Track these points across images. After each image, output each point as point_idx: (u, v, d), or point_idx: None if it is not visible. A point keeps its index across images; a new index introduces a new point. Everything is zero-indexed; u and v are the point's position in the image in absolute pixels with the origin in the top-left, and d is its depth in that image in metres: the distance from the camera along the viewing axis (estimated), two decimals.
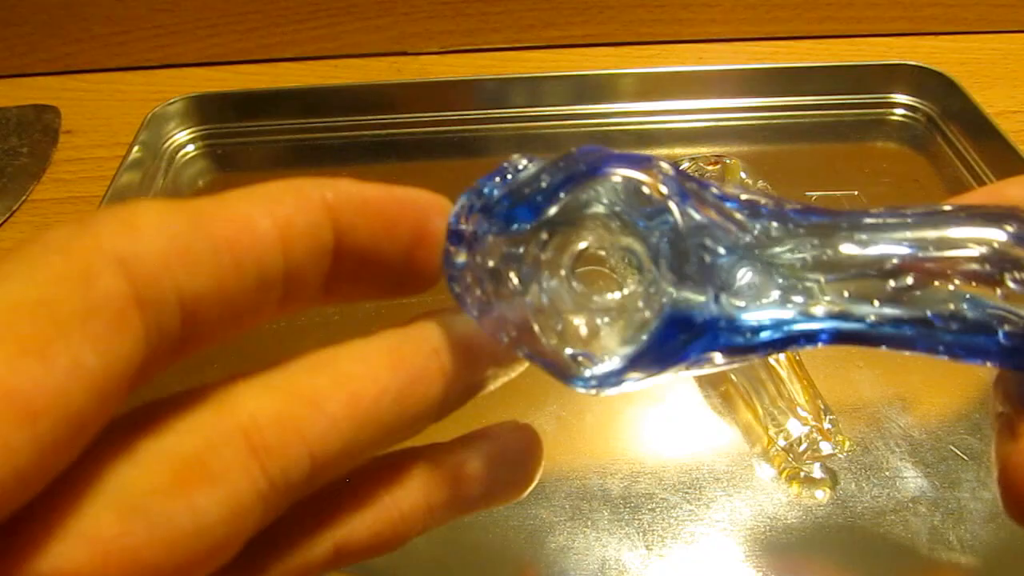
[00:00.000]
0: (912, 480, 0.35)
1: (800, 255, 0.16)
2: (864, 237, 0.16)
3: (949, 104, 0.57)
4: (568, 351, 0.16)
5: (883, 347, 0.16)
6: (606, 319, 0.16)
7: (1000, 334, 0.15)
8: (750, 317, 0.15)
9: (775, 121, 0.58)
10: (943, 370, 0.40)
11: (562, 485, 0.35)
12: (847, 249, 0.16)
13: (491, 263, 0.16)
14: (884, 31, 0.65)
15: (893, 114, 0.59)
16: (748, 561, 0.32)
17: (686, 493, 0.35)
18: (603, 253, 0.16)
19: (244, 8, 0.61)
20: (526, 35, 0.64)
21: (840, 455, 0.35)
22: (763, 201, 0.17)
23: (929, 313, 0.15)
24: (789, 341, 0.16)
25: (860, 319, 0.16)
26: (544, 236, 0.16)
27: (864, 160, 0.56)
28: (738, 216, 0.16)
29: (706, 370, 0.16)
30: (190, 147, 0.56)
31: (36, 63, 0.62)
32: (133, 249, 0.13)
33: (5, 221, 0.50)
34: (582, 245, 0.16)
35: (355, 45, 0.63)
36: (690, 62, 0.62)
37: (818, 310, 0.16)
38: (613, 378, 0.16)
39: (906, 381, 0.39)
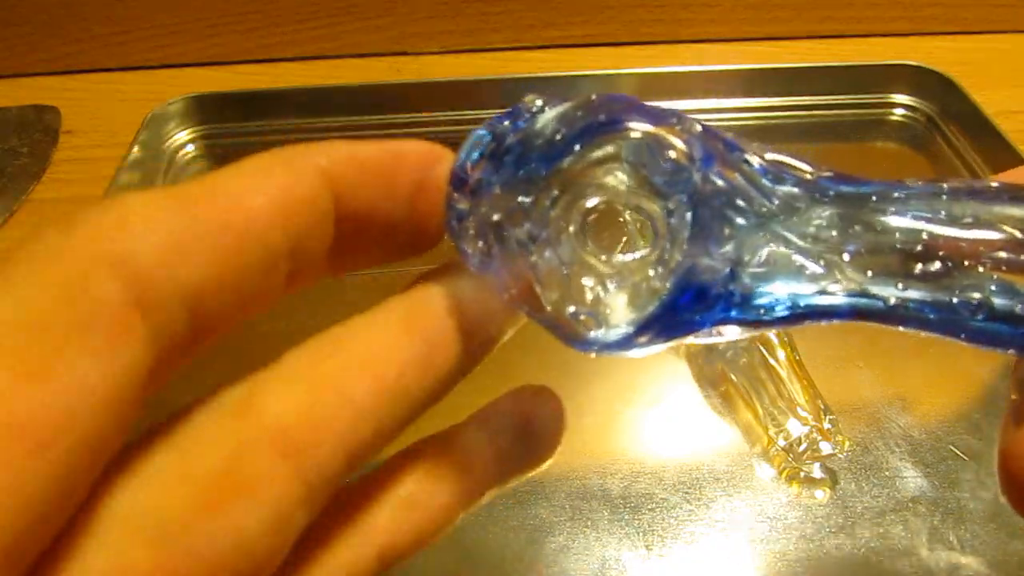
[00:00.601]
0: (912, 480, 0.35)
1: (824, 227, 0.15)
2: (893, 211, 0.15)
3: (949, 104, 0.57)
4: (571, 310, 0.15)
5: (901, 327, 0.15)
6: (615, 282, 0.15)
7: None
8: (767, 290, 0.15)
9: (775, 121, 0.58)
10: (943, 370, 0.40)
11: (562, 485, 0.35)
12: (874, 224, 0.15)
13: (495, 215, 0.15)
14: (884, 31, 0.65)
15: (893, 114, 0.59)
16: (748, 561, 0.32)
17: (686, 493, 0.35)
18: (617, 213, 0.15)
19: (244, 8, 0.61)
20: (526, 35, 0.64)
21: (840, 455, 0.35)
22: (791, 165, 0.15)
23: (955, 299, 0.14)
24: (805, 317, 0.15)
25: (882, 299, 0.15)
26: (555, 191, 0.15)
27: (864, 160, 0.56)
28: (763, 182, 0.15)
29: (716, 339, 0.16)
30: (190, 147, 0.56)
31: (36, 63, 0.62)
32: (125, 248, 0.12)
33: (5, 221, 0.50)
34: (594, 202, 0.15)
35: (355, 45, 0.63)
36: (690, 62, 0.62)
37: (838, 287, 0.15)
38: (618, 344, 0.15)
39: (906, 381, 0.39)
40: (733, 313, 0.15)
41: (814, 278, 0.15)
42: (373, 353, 0.14)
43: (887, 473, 0.35)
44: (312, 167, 0.14)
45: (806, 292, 0.15)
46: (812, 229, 0.15)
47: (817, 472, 0.35)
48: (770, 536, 0.33)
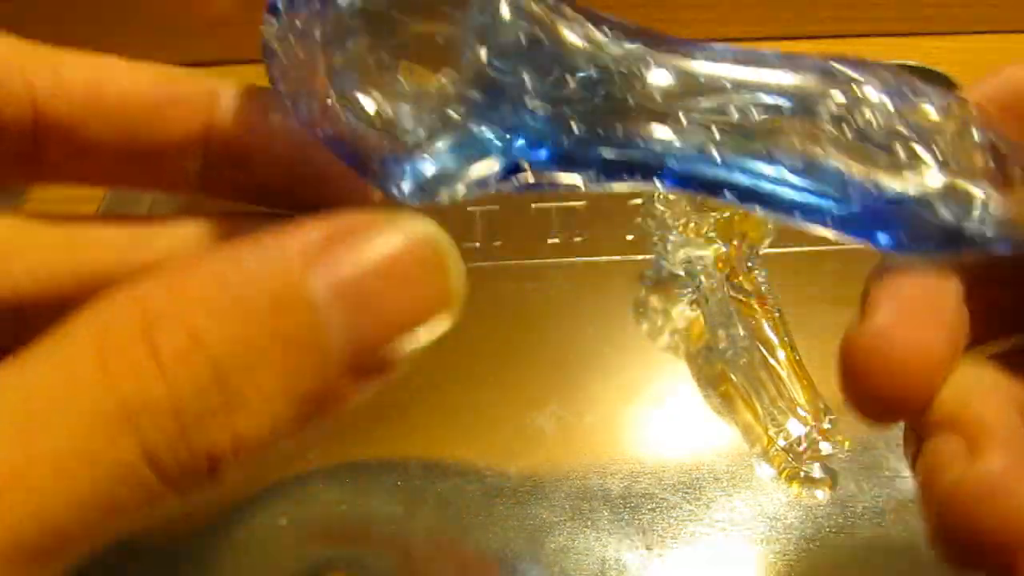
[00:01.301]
0: (912, 480, 0.35)
1: (638, 73, 0.15)
2: (713, 67, 0.15)
3: None
4: (371, 131, 0.14)
5: (726, 194, 0.15)
6: (415, 109, 0.14)
7: (842, 198, 0.14)
8: (575, 143, 0.14)
9: None
10: None
11: (562, 485, 0.35)
12: (686, 70, 0.15)
13: (299, 24, 0.15)
14: (884, 31, 0.65)
15: None
16: (748, 561, 0.32)
17: (686, 493, 0.35)
18: (427, 45, 0.15)
19: (244, 8, 0.61)
20: None
21: (840, 455, 0.35)
22: (620, 22, 0.15)
23: (773, 159, 0.14)
24: (623, 169, 0.15)
25: (694, 157, 0.15)
26: (366, 24, 0.14)
27: None
28: (580, 21, 0.15)
29: (516, 187, 0.15)
30: None
31: None
32: None
33: None
34: (402, 27, 0.15)
35: None
36: None
37: (650, 138, 0.15)
38: (410, 172, 0.14)
39: None
40: (537, 157, 0.14)
41: (630, 131, 0.15)
42: None
43: (887, 473, 0.35)
44: (21, 81, 0.15)
45: (621, 141, 0.15)
46: (627, 75, 0.15)
47: (817, 472, 0.35)
48: (770, 536, 0.33)
